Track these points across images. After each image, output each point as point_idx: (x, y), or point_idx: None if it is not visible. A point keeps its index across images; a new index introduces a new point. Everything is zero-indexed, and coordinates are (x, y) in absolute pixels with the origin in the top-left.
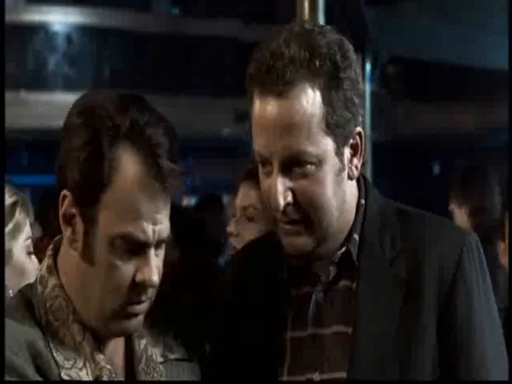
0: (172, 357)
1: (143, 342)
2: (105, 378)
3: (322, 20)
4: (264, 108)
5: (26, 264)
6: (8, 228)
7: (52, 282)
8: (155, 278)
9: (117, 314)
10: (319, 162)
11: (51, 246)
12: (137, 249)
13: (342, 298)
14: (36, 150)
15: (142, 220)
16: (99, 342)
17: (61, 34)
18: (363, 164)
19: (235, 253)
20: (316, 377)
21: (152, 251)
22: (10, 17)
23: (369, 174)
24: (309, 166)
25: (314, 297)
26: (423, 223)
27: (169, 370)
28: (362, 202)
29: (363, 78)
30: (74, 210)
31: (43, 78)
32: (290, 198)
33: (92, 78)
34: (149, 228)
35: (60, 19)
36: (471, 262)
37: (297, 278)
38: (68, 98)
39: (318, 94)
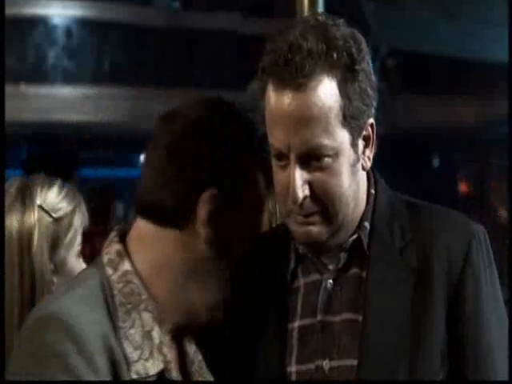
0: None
1: (193, 346)
2: (173, 374)
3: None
4: (281, 101)
5: (77, 269)
6: (67, 238)
7: (124, 266)
8: None
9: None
10: (336, 155)
11: (115, 232)
12: None
13: (351, 286)
14: (35, 144)
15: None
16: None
17: (61, 28)
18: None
19: None
20: (325, 364)
21: None
22: (9, 10)
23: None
24: (326, 159)
25: (323, 284)
26: (431, 215)
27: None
28: (372, 191)
29: None
30: (218, 209)
31: (43, 72)
32: (307, 191)
33: (92, 72)
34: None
35: (60, 12)
36: (479, 254)
37: (305, 267)
38: (68, 92)
39: (335, 86)
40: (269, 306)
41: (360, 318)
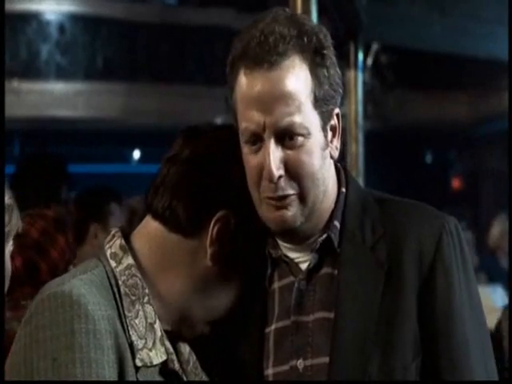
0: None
1: (187, 346)
2: (176, 364)
3: (314, 9)
4: (256, 81)
5: (8, 269)
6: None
7: (127, 260)
8: None
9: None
10: (308, 135)
11: (117, 229)
12: None
13: (324, 285)
14: (28, 139)
15: None
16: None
17: (53, 24)
18: (341, 148)
19: None
20: (300, 364)
21: None
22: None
23: (361, 163)
24: (299, 138)
25: (296, 285)
26: (402, 209)
27: None
28: (343, 190)
29: (356, 67)
30: (229, 229)
31: (36, 68)
32: (282, 171)
33: (85, 68)
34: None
35: (52, 8)
36: (450, 246)
37: (280, 270)
38: (61, 88)
39: (306, 68)
40: (247, 312)
41: (332, 316)
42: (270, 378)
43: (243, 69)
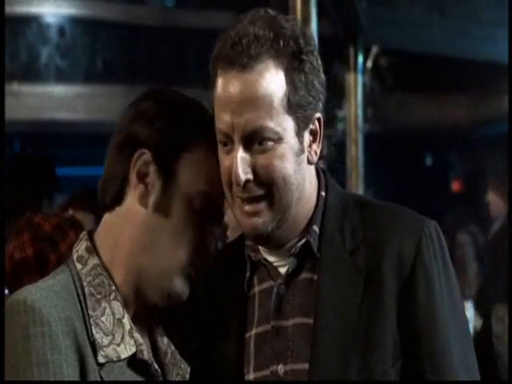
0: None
1: (165, 339)
2: (145, 354)
3: (314, 12)
4: (227, 82)
5: None
6: None
7: (93, 261)
8: None
9: (180, 271)
10: (279, 140)
11: (85, 232)
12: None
13: (303, 290)
14: (29, 142)
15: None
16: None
17: (53, 26)
18: (322, 152)
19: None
20: (280, 369)
21: None
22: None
23: (361, 166)
24: (269, 143)
25: (275, 290)
26: (383, 213)
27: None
28: (322, 193)
29: (355, 70)
30: (150, 168)
31: (36, 70)
32: (250, 175)
33: (85, 70)
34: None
35: (52, 11)
36: (430, 249)
37: (259, 274)
38: (60, 90)
39: (280, 72)
40: (227, 317)
41: (311, 321)
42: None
43: (219, 69)
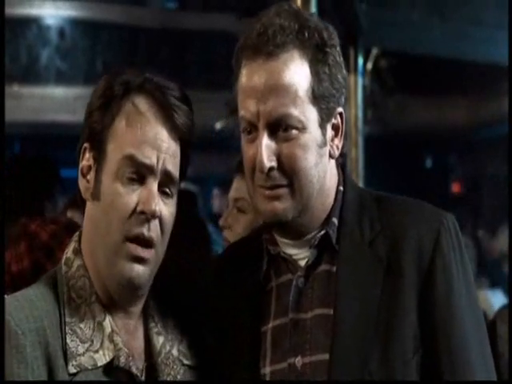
0: (186, 362)
1: (161, 338)
2: (122, 360)
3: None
4: (253, 70)
5: None
6: None
7: (77, 262)
8: (154, 208)
9: (120, 253)
10: (303, 129)
11: (77, 233)
12: (140, 177)
13: (322, 282)
14: (29, 144)
15: (146, 144)
16: (118, 326)
17: (54, 28)
18: (343, 148)
19: (218, 254)
20: (298, 361)
21: (155, 183)
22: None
23: (361, 168)
24: (293, 131)
25: (294, 282)
26: (400, 206)
27: (185, 375)
28: (341, 188)
29: (355, 71)
30: (90, 161)
31: (36, 72)
32: (274, 163)
33: (85, 72)
34: (153, 153)
35: (53, 13)
36: (448, 242)
37: (277, 268)
38: (61, 92)
39: (305, 63)
40: (243, 311)
41: (331, 312)
42: (268, 377)
43: (244, 60)
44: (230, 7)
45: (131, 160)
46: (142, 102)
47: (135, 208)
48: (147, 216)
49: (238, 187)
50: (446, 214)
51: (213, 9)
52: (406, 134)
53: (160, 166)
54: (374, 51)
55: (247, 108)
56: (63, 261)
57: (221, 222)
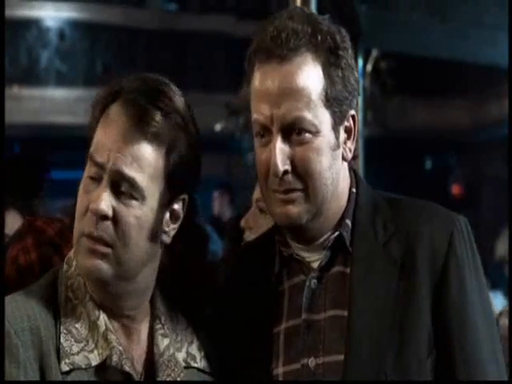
0: (194, 365)
1: (166, 340)
2: (114, 358)
3: None
4: (266, 75)
5: None
6: None
7: (75, 262)
8: (97, 207)
9: (79, 247)
10: (317, 132)
11: None
12: (97, 177)
13: (335, 283)
14: (29, 146)
15: (101, 144)
16: (114, 325)
17: (53, 30)
18: (355, 150)
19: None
20: (311, 362)
21: (106, 183)
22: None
23: (360, 169)
24: (307, 135)
25: (307, 283)
26: (413, 207)
27: (189, 378)
28: (354, 190)
29: None
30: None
31: (36, 74)
32: (288, 166)
33: (85, 74)
34: (104, 153)
35: (53, 14)
36: (462, 244)
37: (290, 269)
38: (61, 94)
39: (318, 66)
40: (255, 311)
41: (345, 313)
42: (280, 377)
43: (257, 63)
44: (229, 9)
45: (90, 159)
46: (116, 108)
47: (88, 206)
48: (93, 214)
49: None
50: (458, 216)
51: (212, 10)
52: (405, 135)
53: (110, 165)
54: (374, 53)
55: (261, 112)
56: (66, 260)
57: (242, 223)
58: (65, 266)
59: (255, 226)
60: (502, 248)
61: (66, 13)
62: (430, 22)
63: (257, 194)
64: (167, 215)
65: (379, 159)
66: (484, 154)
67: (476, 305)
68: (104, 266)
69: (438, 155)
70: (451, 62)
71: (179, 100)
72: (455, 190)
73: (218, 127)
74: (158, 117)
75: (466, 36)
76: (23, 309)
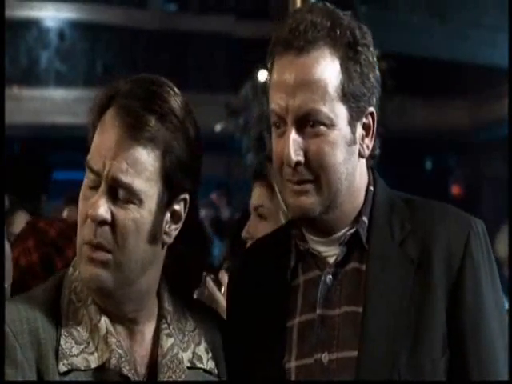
0: (200, 366)
1: (171, 340)
2: (113, 361)
3: None
4: (283, 66)
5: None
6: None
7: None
8: (95, 213)
9: (80, 255)
10: (332, 126)
11: None
12: (94, 185)
13: (351, 280)
14: (29, 146)
15: (97, 152)
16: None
17: (53, 30)
18: (374, 150)
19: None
20: (324, 357)
21: (103, 190)
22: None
23: None
24: (321, 127)
25: (323, 278)
26: (430, 208)
27: (193, 378)
28: (371, 188)
29: None
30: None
31: (36, 74)
32: (301, 157)
33: (85, 74)
34: (100, 160)
35: (53, 15)
36: (478, 245)
37: (305, 264)
38: (61, 94)
39: (336, 60)
40: (270, 305)
41: (360, 309)
42: (293, 371)
43: (276, 55)
44: (229, 9)
45: (88, 167)
46: (110, 115)
47: (87, 213)
48: (94, 222)
49: (256, 194)
50: (474, 218)
51: (212, 11)
52: (405, 135)
53: (106, 172)
54: (374, 53)
55: (277, 102)
56: (72, 263)
57: (243, 235)
58: (70, 269)
59: (256, 233)
60: (501, 248)
61: (66, 13)
62: (430, 22)
63: (253, 201)
64: (167, 216)
65: (379, 159)
66: (484, 154)
67: (491, 307)
68: (104, 274)
69: (437, 155)
70: (451, 63)
71: (175, 100)
72: (455, 190)
73: (218, 127)
74: (153, 121)
75: (466, 37)
76: (23, 311)
